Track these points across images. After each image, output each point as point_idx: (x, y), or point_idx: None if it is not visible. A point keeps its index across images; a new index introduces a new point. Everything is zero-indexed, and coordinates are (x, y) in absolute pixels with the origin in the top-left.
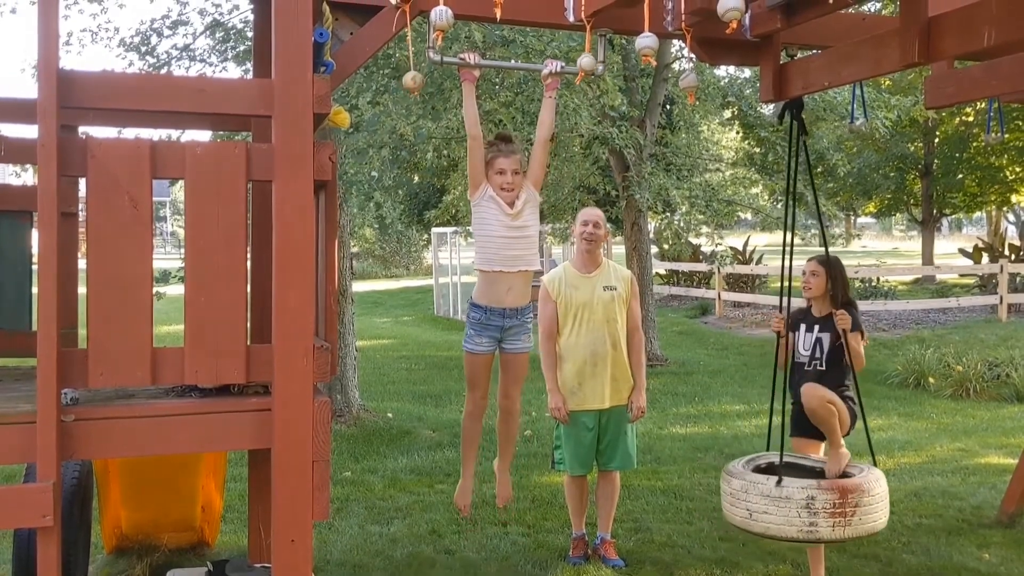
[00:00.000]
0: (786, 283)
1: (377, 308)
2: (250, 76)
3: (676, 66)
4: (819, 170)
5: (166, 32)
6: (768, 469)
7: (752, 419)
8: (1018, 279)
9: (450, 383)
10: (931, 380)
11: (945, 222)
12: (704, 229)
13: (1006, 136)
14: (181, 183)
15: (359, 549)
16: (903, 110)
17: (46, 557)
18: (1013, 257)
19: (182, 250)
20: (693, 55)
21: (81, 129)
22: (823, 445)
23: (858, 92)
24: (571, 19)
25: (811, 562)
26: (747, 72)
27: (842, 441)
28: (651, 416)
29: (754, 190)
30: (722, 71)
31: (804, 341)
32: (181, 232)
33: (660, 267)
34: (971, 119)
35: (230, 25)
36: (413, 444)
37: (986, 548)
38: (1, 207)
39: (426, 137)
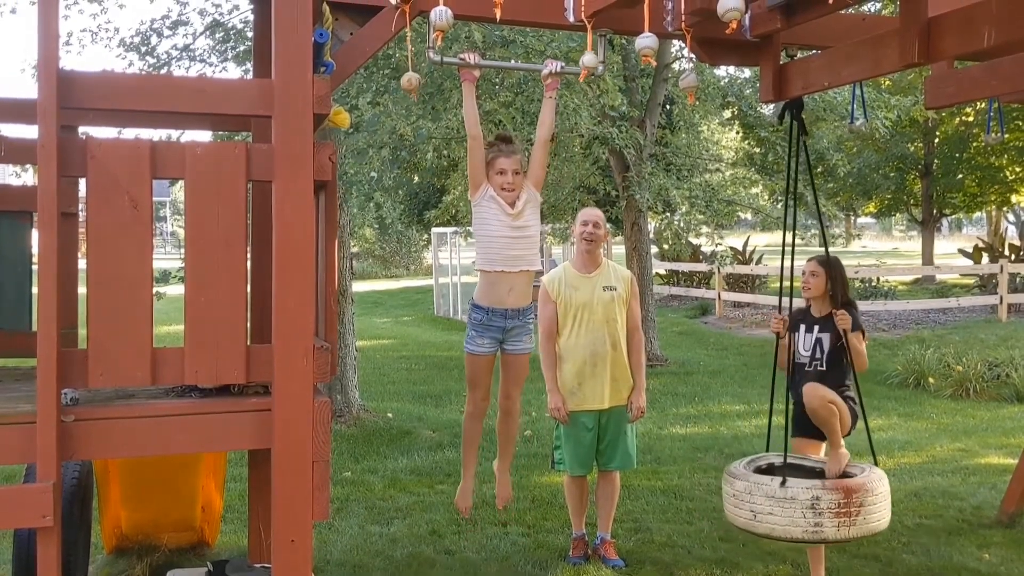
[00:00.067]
0: (786, 283)
1: (377, 308)
2: (250, 76)
3: (676, 66)
4: (819, 170)
5: (166, 32)
6: (768, 470)
7: (752, 419)
8: (1018, 279)
9: (450, 383)
10: (931, 380)
11: (945, 222)
12: (704, 229)
13: (1006, 136)
14: (181, 183)
15: (359, 549)
16: (903, 110)
17: (46, 557)
18: (1013, 257)
19: (182, 250)
20: (693, 55)
21: (81, 129)
22: (824, 446)
23: (858, 92)
24: (571, 19)
25: (811, 562)
26: (747, 72)
27: (842, 441)
28: (651, 416)
29: (754, 190)
30: (722, 71)
31: (804, 342)
32: (181, 232)
33: (660, 267)
34: (971, 119)
35: (230, 25)
36: (413, 444)
37: (986, 548)
38: (1, 207)
39: (426, 137)
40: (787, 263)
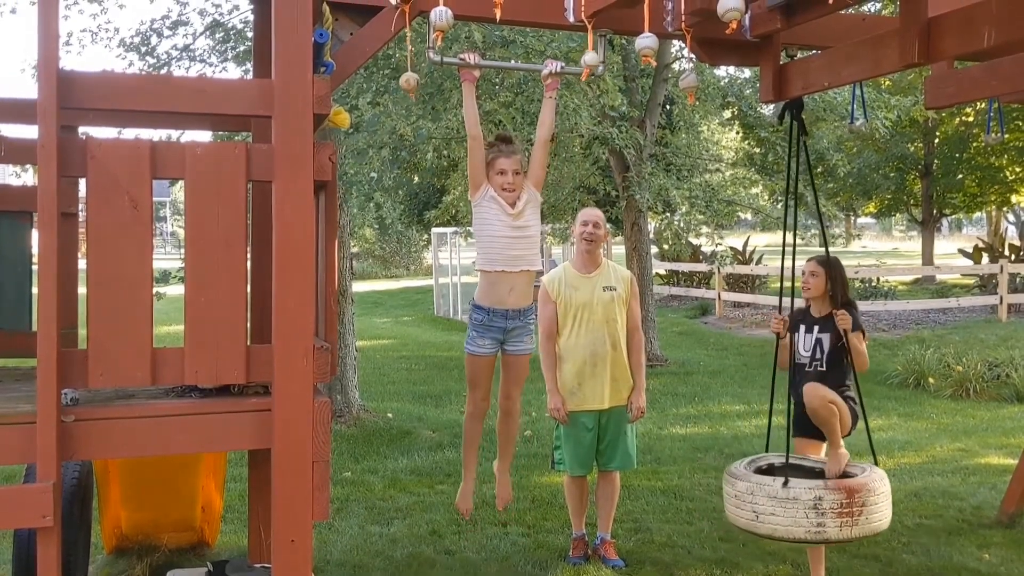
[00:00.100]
0: (787, 283)
1: (377, 308)
2: (250, 76)
3: (676, 66)
4: (819, 170)
5: (166, 32)
6: (769, 470)
7: (752, 419)
8: (1018, 279)
9: (450, 383)
10: (931, 380)
11: (945, 222)
12: (704, 229)
13: (1006, 136)
14: (181, 183)
15: (359, 549)
16: (903, 110)
17: (46, 557)
18: (1013, 257)
19: (182, 250)
20: (693, 55)
21: (81, 129)
22: (824, 446)
23: (858, 92)
24: (571, 19)
25: (811, 562)
26: (747, 72)
27: (841, 442)
28: (651, 416)
29: (754, 190)
30: (722, 71)
31: (804, 342)
32: (181, 232)
33: (660, 267)
34: (971, 119)
35: (230, 25)
36: (413, 444)
37: (986, 548)
38: (1, 207)
39: (426, 137)
40: (787, 263)
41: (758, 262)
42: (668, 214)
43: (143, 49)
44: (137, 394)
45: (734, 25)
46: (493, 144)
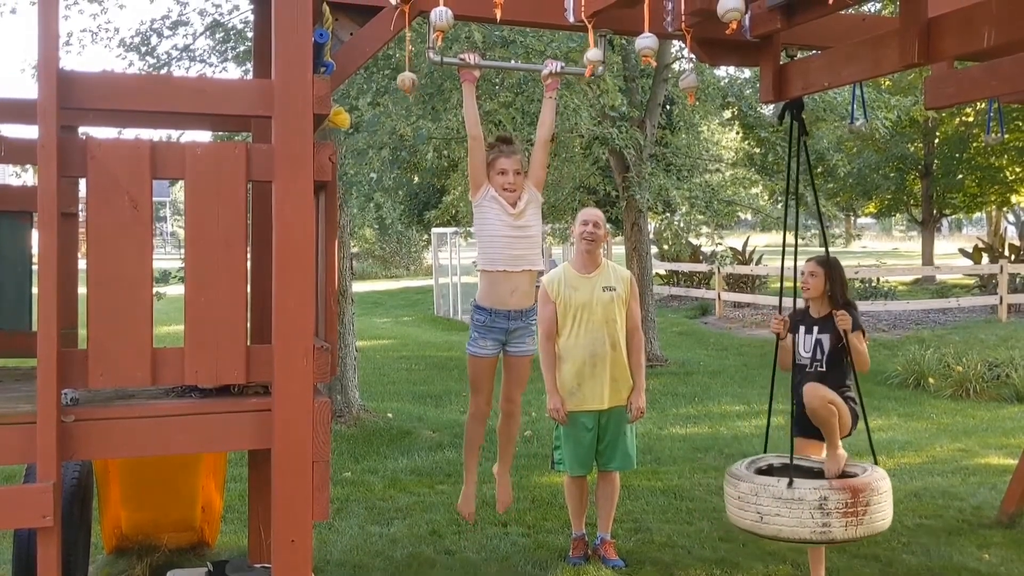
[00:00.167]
0: (788, 283)
1: (377, 308)
2: (250, 77)
3: (676, 66)
4: (819, 170)
5: (166, 32)
6: (768, 471)
7: (752, 419)
8: (1018, 279)
9: (450, 383)
10: (931, 380)
11: (945, 222)
12: (704, 229)
13: (1006, 136)
14: (181, 183)
15: (359, 549)
16: (903, 110)
17: (46, 557)
18: (1013, 257)
19: (182, 250)
20: (693, 55)
21: (81, 130)
22: (825, 446)
23: (858, 92)
24: (571, 20)
25: (811, 562)
26: (747, 72)
27: (839, 442)
28: (651, 416)
29: (754, 190)
30: (722, 71)
31: (804, 343)
32: (181, 232)
33: (660, 267)
34: (971, 119)
35: (230, 26)
36: (413, 444)
37: (986, 548)
38: (1, 207)
39: (426, 138)
40: (790, 263)
41: (758, 262)
42: (668, 214)
43: (143, 49)
44: (137, 394)
45: (734, 25)
46: (493, 145)
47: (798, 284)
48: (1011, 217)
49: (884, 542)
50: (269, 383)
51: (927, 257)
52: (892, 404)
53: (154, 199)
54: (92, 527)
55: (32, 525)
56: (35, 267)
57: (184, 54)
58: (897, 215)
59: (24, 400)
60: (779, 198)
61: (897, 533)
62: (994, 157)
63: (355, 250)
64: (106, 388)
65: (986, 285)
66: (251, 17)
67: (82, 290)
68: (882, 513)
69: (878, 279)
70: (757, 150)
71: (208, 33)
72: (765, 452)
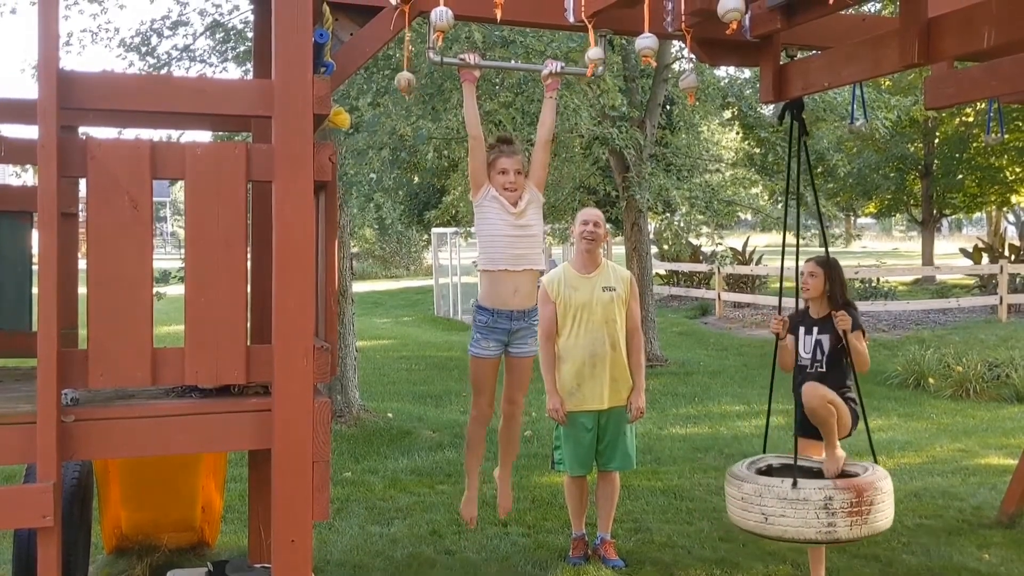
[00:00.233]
0: (789, 283)
1: (377, 308)
2: (250, 77)
3: (676, 67)
4: (819, 170)
5: (166, 33)
6: (768, 472)
7: (752, 420)
8: (1018, 279)
9: (450, 383)
10: (931, 380)
11: (945, 222)
12: (704, 229)
13: (1006, 136)
14: (181, 183)
15: (359, 549)
16: (903, 110)
17: (46, 557)
18: (1013, 257)
19: (182, 250)
20: (693, 56)
21: (81, 130)
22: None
23: (858, 92)
24: (571, 20)
25: (811, 562)
26: (747, 73)
27: (838, 442)
28: (651, 416)
29: (754, 190)
30: (722, 72)
31: (804, 344)
32: (181, 232)
33: (660, 267)
34: (971, 119)
35: (230, 26)
36: (413, 444)
37: (986, 548)
38: (1, 207)
39: (426, 138)
40: (789, 263)
41: (758, 262)
42: (668, 214)
43: (143, 49)
44: (137, 394)
45: (734, 25)
46: (494, 145)
47: (799, 284)
48: (1011, 217)
49: (884, 542)
50: (269, 383)
51: (927, 257)
52: (892, 404)
53: (154, 199)
54: (92, 527)
55: (32, 525)
56: (35, 267)
57: (184, 54)
58: (897, 215)
59: (24, 400)
60: (779, 198)
61: (897, 533)
62: (994, 157)
63: (355, 250)
64: (106, 388)
65: (986, 285)
66: (251, 17)
67: (82, 290)
68: (885, 512)
69: (878, 279)
70: (757, 150)
71: (208, 33)
72: (764, 452)
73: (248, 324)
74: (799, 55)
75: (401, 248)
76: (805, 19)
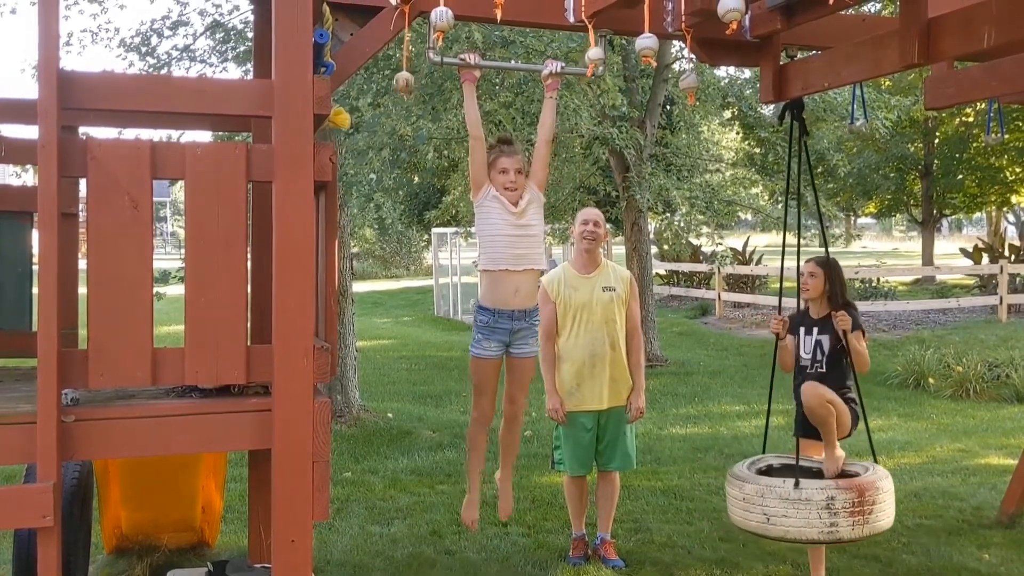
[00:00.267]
0: (787, 284)
1: (377, 308)
2: (250, 77)
3: (676, 67)
4: (819, 170)
5: (166, 33)
6: (768, 472)
7: (752, 420)
8: (1018, 280)
9: (450, 383)
10: (931, 381)
11: (945, 223)
12: (704, 229)
13: (1006, 137)
14: (181, 183)
15: (359, 549)
16: (903, 110)
17: (46, 557)
18: (1013, 258)
19: (182, 250)
20: (693, 56)
21: (81, 130)
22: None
23: (858, 93)
24: (571, 20)
25: (811, 562)
26: (747, 73)
27: (837, 442)
28: (651, 416)
29: (754, 190)
30: (722, 72)
31: (804, 344)
32: (181, 232)
33: (660, 267)
34: (971, 119)
35: (230, 26)
36: (413, 444)
37: (986, 548)
38: (1, 208)
39: (426, 138)
40: (789, 263)
41: (758, 262)
42: (668, 214)
43: (143, 49)
44: (137, 394)
45: (734, 26)
46: (493, 146)
47: (795, 284)
48: (1011, 217)
49: (884, 542)
50: (269, 383)
51: (927, 257)
52: (892, 404)
53: (154, 199)
54: (92, 527)
55: (32, 525)
56: (35, 267)
57: (184, 54)
58: (897, 215)
59: (24, 400)
60: (779, 198)
61: (897, 533)
62: (994, 157)
63: (355, 250)
64: (106, 388)
65: (986, 285)
66: (251, 17)
67: (82, 290)
68: (886, 512)
69: (878, 279)
70: (757, 150)
71: (208, 33)
72: (764, 453)
73: (248, 324)
74: (799, 55)
75: (401, 248)
76: (805, 19)
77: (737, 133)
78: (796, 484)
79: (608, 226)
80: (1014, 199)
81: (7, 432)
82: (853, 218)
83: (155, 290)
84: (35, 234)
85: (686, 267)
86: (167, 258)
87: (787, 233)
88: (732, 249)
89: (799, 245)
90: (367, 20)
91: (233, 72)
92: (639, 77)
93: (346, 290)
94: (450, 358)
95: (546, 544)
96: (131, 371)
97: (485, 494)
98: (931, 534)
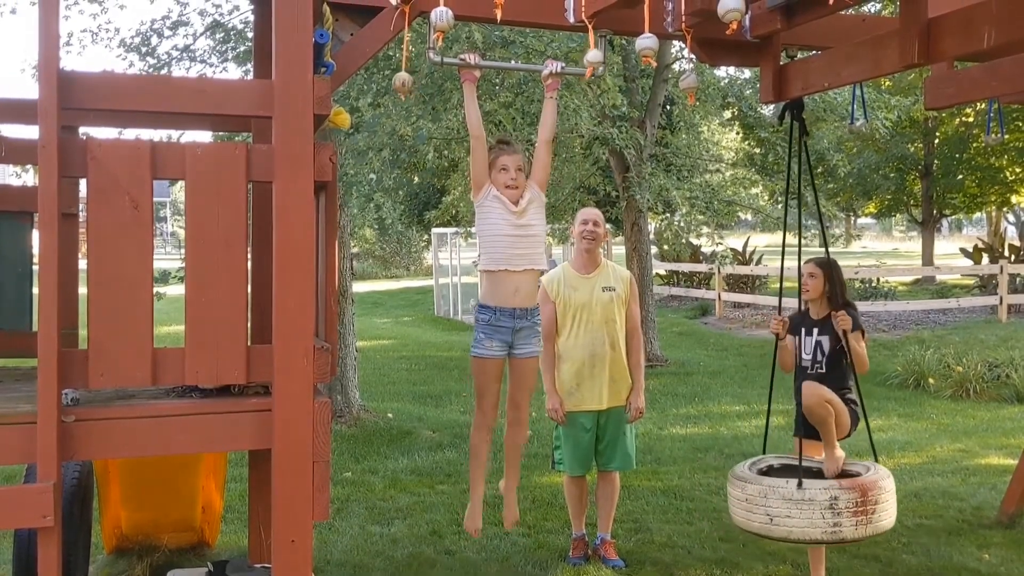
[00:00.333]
0: (787, 284)
1: (377, 308)
2: (251, 77)
3: (676, 67)
4: (819, 170)
5: (166, 33)
6: (768, 472)
7: (752, 420)
8: (1018, 280)
9: (450, 383)
10: (931, 381)
11: (945, 223)
12: (704, 229)
13: (1006, 137)
14: (181, 183)
15: (359, 549)
16: (903, 110)
17: (46, 557)
18: (1013, 258)
19: (182, 250)
20: (693, 56)
21: (82, 130)
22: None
23: (858, 93)
24: (571, 20)
25: (811, 562)
26: (747, 73)
27: (836, 442)
28: (651, 416)
29: (754, 190)
30: (722, 72)
31: (805, 345)
32: (181, 232)
33: (660, 268)
34: (971, 119)
35: (230, 26)
36: (413, 444)
37: (986, 548)
38: (1, 208)
39: (426, 138)
40: (789, 263)
41: (758, 262)
42: (668, 214)
43: (143, 49)
44: (137, 394)
45: (734, 26)
46: (493, 147)
47: (795, 284)
48: (1011, 217)
49: (884, 542)
50: (269, 383)
51: (927, 257)
52: (892, 404)
53: (154, 199)
54: (92, 527)
55: (32, 525)
56: (36, 267)
57: (184, 54)
58: (897, 215)
59: (24, 400)
60: (779, 198)
61: (897, 533)
62: (994, 157)
63: (355, 250)
64: (106, 388)
65: (986, 285)
66: (251, 17)
67: (83, 290)
68: (889, 512)
69: (878, 279)
70: (757, 150)
71: (208, 33)
72: (764, 453)
73: (248, 324)
74: (799, 55)
75: (401, 248)
76: (805, 19)
77: (737, 133)
78: (799, 484)
79: (608, 226)
80: (1014, 199)
81: (7, 432)
82: (853, 218)
83: (155, 290)
84: (35, 234)
85: (686, 267)
86: (167, 258)
87: (787, 233)
88: (732, 249)
89: (800, 245)
90: (367, 20)
91: (233, 72)
92: (639, 77)
93: (346, 290)
94: (450, 358)
95: (546, 544)
96: (131, 371)
97: (486, 495)
98: (931, 534)
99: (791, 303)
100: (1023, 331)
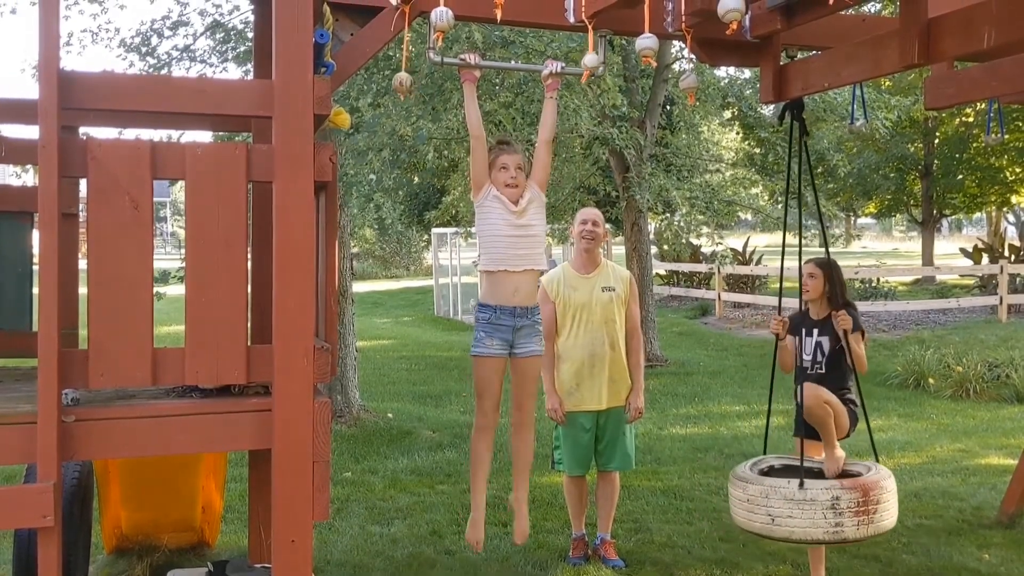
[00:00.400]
0: (787, 284)
1: (377, 308)
2: (251, 77)
3: (676, 67)
4: (819, 170)
5: (167, 33)
6: (769, 472)
7: (752, 420)
8: (1018, 280)
9: (450, 383)
10: (931, 381)
11: (945, 223)
12: (704, 229)
13: (1006, 137)
14: (181, 183)
15: (359, 549)
16: (903, 110)
17: (46, 557)
18: (1013, 258)
19: (182, 250)
20: (693, 56)
21: (82, 130)
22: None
23: (858, 93)
24: (571, 20)
25: (811, 562)
26: (747, 73)
27: (836, 442)
28: (651, 417)
29: (754, 190)
30: (722, 72)
31: (805, 346)
32: (181, 232)
33: (660, 268)
34: (971, 119)
35: (231, 26)
36: (413, 444)
37: (986, 549)
38: (1, 208)
39: (426, 138)
40: (789, 263)
41: (758, 262)
42: (668, 214)
43: (143, 50)
44: (138, 394)
45: (734, 26)
46: (493, 147)
47: (795, 284)
48: (1011, 217)
49: (884, 542)
50: (269, 383)
51: (927, 257)
52: (892, 404)
53: (154, 199)
54: (92, 527)
55: (32, 525)
56: (36, 267)
57: (184, 54)
58: (897, 215)
59: (24, 400)
60: (779, 198)
61: (897, 533)
62: (994, 157)
63: (355, 250)
64: (107, 388)
65: (986, 285)
66: (251, 17)
67: (83, 290)
68: (890, 511)
69: (878, 279)
70: (757, 150)
71: (208, 33)
72: (765, 453)
73: (248, 324)
74: (799, 55)
75: (401, 248)
76: (805, 19)
77: (737, 133)
78: (801, 484)
79: (608, 226)
80: (1014, 199)
81: (7, 432)
82: (853, 218)
83: (155, 290)
84: (35, 234)
85: (686, 267)
86: (167, 258)
87: (787, 233)
88: (732, 249)
89: (800, 245)
90: (367, 20)
91: (233, 72)
92: (639, 77)
93: (346, 290)
94: (450, 358)
95: (546, 544)
96: (131, 371)
97: (487, 497)
98: (931, 534)
99: (791, 303)
100: (1023, 331)
